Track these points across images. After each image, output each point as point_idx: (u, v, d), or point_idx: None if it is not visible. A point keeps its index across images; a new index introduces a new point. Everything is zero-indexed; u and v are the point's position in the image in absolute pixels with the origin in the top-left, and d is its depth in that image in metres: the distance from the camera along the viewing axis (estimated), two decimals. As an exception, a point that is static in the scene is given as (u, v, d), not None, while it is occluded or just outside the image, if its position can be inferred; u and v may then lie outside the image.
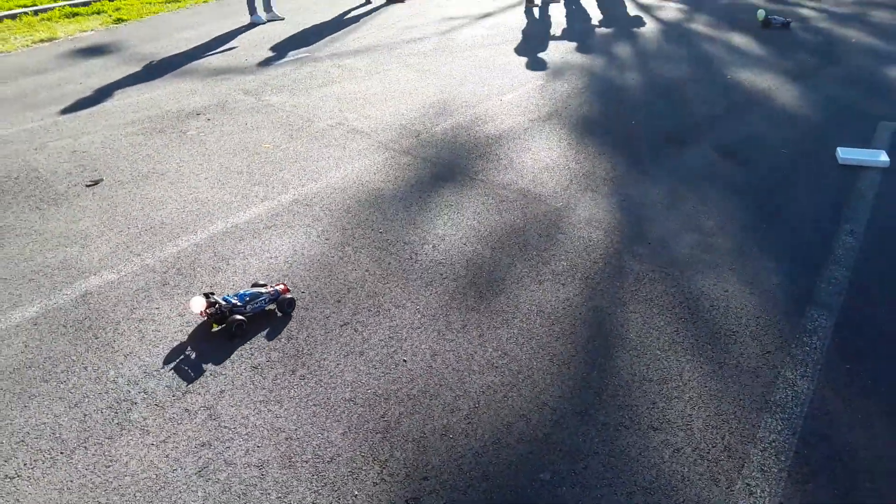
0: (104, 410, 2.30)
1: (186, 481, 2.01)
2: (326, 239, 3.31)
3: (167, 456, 2.11)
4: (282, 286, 2.80)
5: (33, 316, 2.79)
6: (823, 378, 2.32)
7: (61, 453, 2.13)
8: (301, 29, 7.76)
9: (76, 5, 8.98)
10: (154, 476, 2.04)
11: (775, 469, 1.99)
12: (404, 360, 2.49)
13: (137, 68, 6.36)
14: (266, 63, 6.41)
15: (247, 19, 8.16)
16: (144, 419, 2.25)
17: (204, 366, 2.48)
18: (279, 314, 2.76)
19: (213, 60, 6.59)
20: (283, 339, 2.61)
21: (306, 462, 2.07)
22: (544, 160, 4.12)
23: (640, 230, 3.30)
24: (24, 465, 2.09)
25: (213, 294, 2.72)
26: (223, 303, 2.64)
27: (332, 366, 2.47)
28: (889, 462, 2.00)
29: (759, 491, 1.92)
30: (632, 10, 8.25)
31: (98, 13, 8.80)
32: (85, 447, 2.15)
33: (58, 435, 2.20)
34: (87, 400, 2.34)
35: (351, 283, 2.96)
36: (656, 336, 2.56)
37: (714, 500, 1.90)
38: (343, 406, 2.28)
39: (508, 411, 2.24)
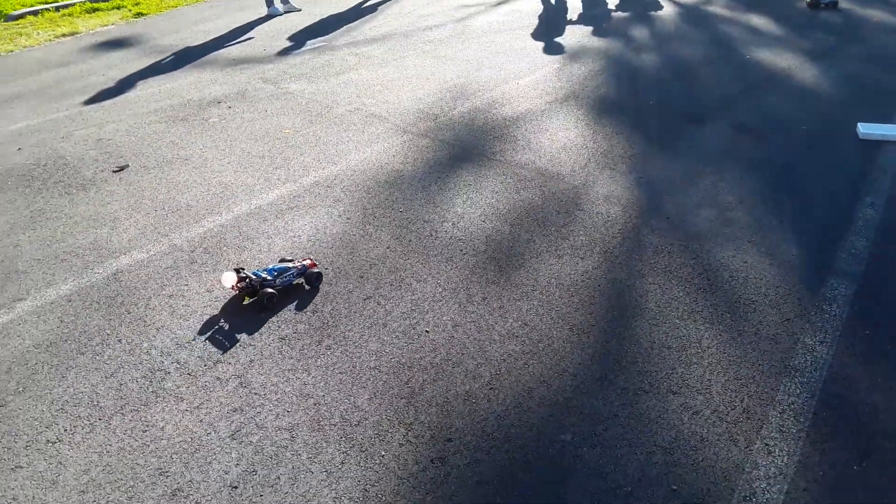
0: (139, 380, 2.38)
1: (220, 444, 2.09)
2: (348, 218, 3.37)
3: (201, 421, 2.18)
4: (309, 261, 2.88)
5: (67, 293, 2.89)
6: (843, 343, 2.34)
7: (99, 419, 2.22)
8: (318, 19, 7.83)
9: (96, 0, 9.12)
10: (189, 439, 2.12)
11: (794, 430, 2.02)
12: (426, 331, 2.54)
13: (158, 59, 6.47)
14: (284, 52, 6.49)
15: (264, 11, 8.24)
16: (178, 387, 2.33)
17: (234, 337, 2.56)
18: (307, 287, 2.84)
19: (232, 51, 6.67)
20: (308, 313, 2.68)
21: (334, 425, 2.14)
22: (562, 140, 4.14)
23: (658, 205, 3.33)
24: (65, 430, 2.18)
25: (243, 269, 2.80)
26: (254, 277, 2.72)
27: (356, 337, 2.53)
28: (908, 423, 2.02)
29: (777, 450, 1.95)
30: (648, -6, 8.20)
31: (118, 8, 8.93)
32: (122, 413, 2.23)
33: (95, 402, 2.28)
34: (122, 370, 2.43)
35: (373, 259, 3.02)
36: (675, 306, 2.59)
37: (733, 459, 1.94)
38: (368, 374, 2.35)
39: (529, 377, 2.29)
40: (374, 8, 8.34)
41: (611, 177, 3.65)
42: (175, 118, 4.86)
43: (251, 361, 2.43)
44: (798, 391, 2.15)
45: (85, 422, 2.21)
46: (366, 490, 1.91)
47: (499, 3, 8.21)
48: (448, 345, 2.47)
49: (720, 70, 5.32)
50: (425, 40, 6.67)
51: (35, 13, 8.61)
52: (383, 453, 2.03)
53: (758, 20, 6.75)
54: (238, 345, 2.52)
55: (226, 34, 7.38)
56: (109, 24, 8.19)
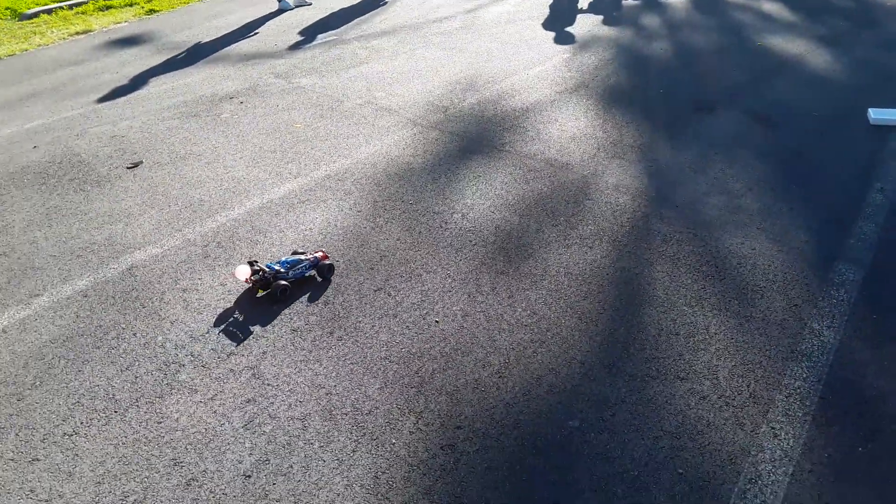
0: (154, 372, 2.43)
1: (234, 434, 2.14)
2: (358, 211, 3.41)
3: (215, 412, 2.24)
4: (321, 253, 2.93)
5: (83, 289, 2.95)
6: (850, 328, 2.34)
7: (115, 412, 2.27)
8: (328, 13, 7.85)
9: (110, -1, 9.20)
10: (203, 430, 2.17)
11: (800, 413, 2.03)
12: (436, 321, 2.57)
13: (171, 56, 6.53)
14: (295, 47, 6.52)
15: (275, 6, 8.28)
16: (192, 379, 2.38)
17: (247, 329, 2.61)
18: (319, 279, 2.88)
19: (244, 46, 6.72)
20: (320, 304, 2.72)
21: (346, 415, 2.18)
22: (571, 130, 4.14)
23: (667, 194, 3.33)
24: (81, 423, 2.24)
25: (256, 262, 2.85)
26: (268, 270, 2.77)
27: (367, 328, 2.57)
28: (917, 407, 2.03)
29: (783, 434, 1.97)
30: (659, -19, 8.13)
31: (131, 5, 9.01)
32: (137, 406, 2.29)
33: (111, 395, 2.34)
34: (137, 363, 2.48)
35: (383, 251, 3.05)
36: (683, 293, 2.60)
37: (739, 442, 1.96)
38: (379, 364, 2.38)
39: (538, 365, 2.31)
40: (383, 1, 8.34)
41: (620, 166, 3.65)
42: (188, 114, 4.92)
43: (264, 353, 2.47)
44: (805, 375, 2.16)
45: (101, 414, 2.27)
46: (377, 477, 1.95)
47: (508, -6, 8.17)
48: (458, 334, 2.50)
49: (731, 57, 5.28)
50: (435, 32, 6.68)
51: (49, 11, 8.70)
52: (394, 441, 2.07)
53: (770, 6, 6.68)
54: (251, 337, 2.56)
55: (237, 29, 7.43)
56: (122, 21, 8.27)
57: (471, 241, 3.07)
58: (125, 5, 9.00)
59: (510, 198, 3.42)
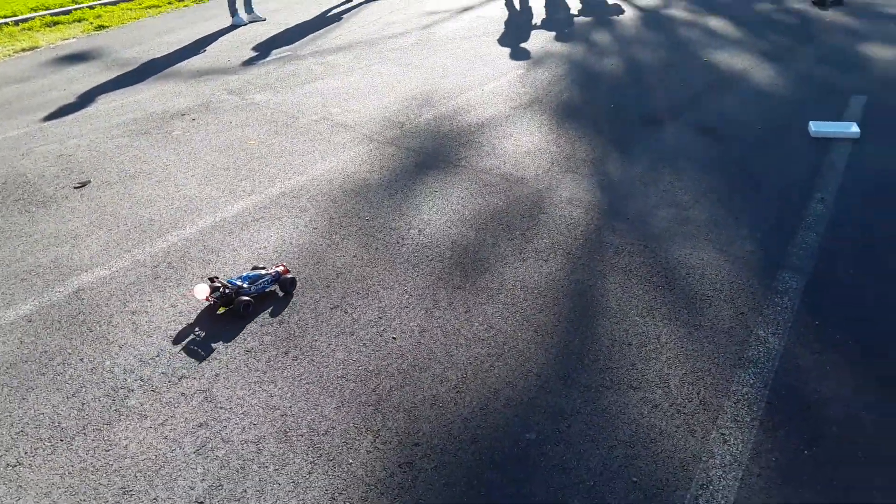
0: (102, 398, 2.36)
1: (185, 459, 2.09)
2: (314, 228, 3.38)
3: (165, 437, 2.18)
4: (282, 267, 2.91)
5: (27, 313, 2.85)
6: (794, 335, 2.43)
7: (61, 440, 2.20)
8: (283, 29, 7.82)
9: (57, 14, 8.99)
10: (153, 457, 2.11)
11: (748, 419, 2.09)
12: (393, 338, 2.57)
13: (121, 73, 6.41)
14: (249, 63, 6.47)
15: (228, 21, 8.21)
16: (142, 405, 2.32)
17: (198, 352, 2.55)
18: (281, 294, 2.87)
19: (196, 62, 6.63)
20: (275, 324, 2.69)
21: (302, 436, 2.15)
22: (526, 145, 4.20)
23: (619, 207, 3.40)
24: (25, 453, 2.15)
25: (216, 279, 2.81)
26: (230, 286, 2.74)
27: (323, 346, 2.55)
28: (854, 408, 2.11)
29: (732, 439, 2.02)
30: (609, -1, 8.35)
31: (79, 21, 8.81)
32: (84, 433, 2.22)
33: (57, 423, 2.26)
34: (84, 389, 2.41)
35: (339, 268, 3.03)
36: (635, 304, 2.66)
37: (690, 449, 2.00)
38: (335, 383, 2.36)
39: (495, 379, 2.33)
40: (338, 17, 8.36)
41: (573, 180, 3.71)
42: (138, 132, 4.82)
43: (216, 375, 2.43)
44: (752, 382, 2.23)
45: (46, 443, 2.19)
46: (333, 499, 1.93)
47: (463, 10, 8.28)
48: (415, 350, 2.50)
49: (678, 72, 5.44)
50: (391, 48, 6.71)
51: (-8, 28, 8.45)
52: (351, 461, 2.05)
53: (715, 23, 6.92)
54: (203, 359, 2.51)
55: (190, 45, 7.33)
56: (70, 37, 8.08)
57: (427, 257, 3.08)
58: (73, 21, 8.80)
59: (466, 213, 3.44)
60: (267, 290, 2.84)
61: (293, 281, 2.89)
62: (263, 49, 6.96)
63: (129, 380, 2.44)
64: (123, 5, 9.67)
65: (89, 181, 4.06)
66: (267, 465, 2.05)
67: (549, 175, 3.78)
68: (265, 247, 3.23)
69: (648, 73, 5.46)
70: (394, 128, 4.62)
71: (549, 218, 3.33)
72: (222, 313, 2.74)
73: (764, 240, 3.03)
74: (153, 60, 6.78)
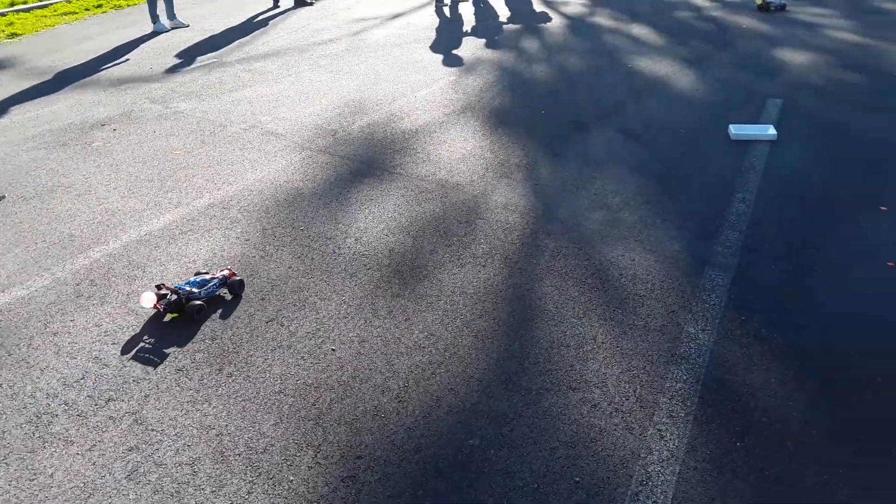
0: (24, 426, 2.22)
1: (116, 486, 1.99)
2: (246, 240, 3.30)
3: (94, 464, 2.07)
4: (227, 271, 2.88)
5: (-64, 339, 2.66)
6: (722, 330, 2.53)
7: (-22, 473, 2.05)
8: (208, 35, 7.60)
9: (-40, 20, 8.45)
10: (82, 484, 2.00)
11: (682, 414, 2.16)
12: (332, 349, 2.52)
13: (36, 82, 6.07)
14: (173, 70, 6.26)
15: (150, 28, 7.91)
16: (67, 430, 2.20)
17: (126, 372, 2.44)
18: (230, 297, 2.84)
19: (116, 70, 6.37)
20: (207, 340, 2.60)
21: (239, 455, 2.08)
22: (460, 151, 4.23)
23: (553, 211, 3.46)
24: (-63, 489, 2.00)
25: (163, 286, 2.78)
26: (181, 291, 2.69)
27: (259, 361, 2.48)
28: (781, 398, 2.21)
29: (668, 435, 2.08)
30: (538, 7, 8.52)
31: (-14, 27, 8.31)
32: (6, 463, 2.08)
33: (-27, 456, 2.11)
34: (4, 416, 2.26)
35: (274, 280, 2.96)
36: (572, 305, 2.71)
37: (629, 447, 2.05)
38: (273, 398, 2.30)
39: (437, 387, 2.32)
40: (265, 22, 8.20)
41: (508, 185, 3.76)
42: (55, 144, 4.58)
43: (146, 397, 2.32)
44: (685, 377, 2.30)
45: (-39, 477, 2.04)
46: (275, 517, 1.87)
47: (393, 17, 8.28)
48: (355, 361, 2.46)
49: (605, 78, 5.60)
50: (321, 55, 6.63)
51: None
52: (291, 478, 1.99)
53: (639, 30, 7.16)
54: (131, 380, 2.40)
55: (109, 53, 7.03)
56: (-24, 44, 7.61)
57: (365, 266, 3.05)
58: (-21, 27, 8.30)
59: (403, 220, 3.43)
60: (216, 293, 2.81)
61: (241, 283, 2.87)
62: (187, 56, 6.75)
63: (52, 405, 2.30)
64: (37, 12, 9.20)
65: (3, 196, 3.82)
66: (203, 487, 1.98)
67: (485, 181, 3.82)
68: (194, 260, 3.12)
69: (576, 80, 5.60)
70: (326, 135, 4.56)
71: (485, 223, 3.36)
72: (168, 320, 2.68)
73: (691, 239, 3.15)
74: (70, 69, 6.47)
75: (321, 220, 3.46)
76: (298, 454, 2.08)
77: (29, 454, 2.11)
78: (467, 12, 8.34)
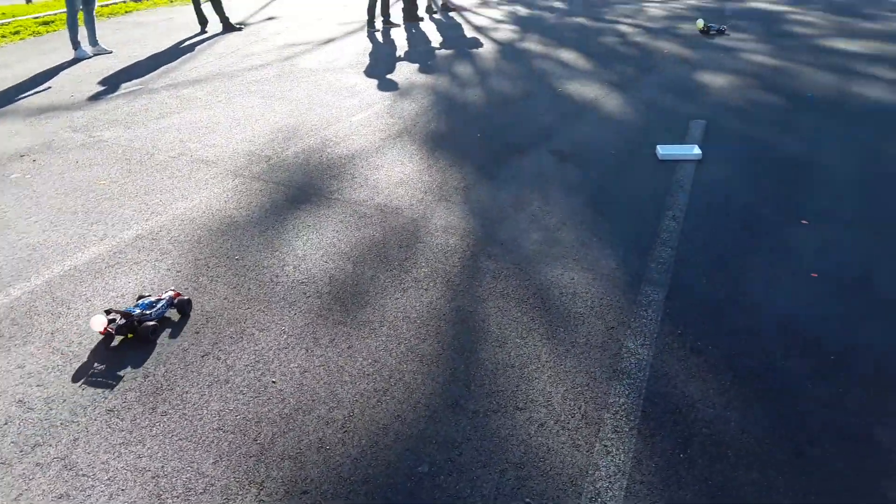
0: (-67, 482, 2.05)
1: (41, 540, 1.85)
2: (178, 272, 3.18)
3: (16, 518, 1.93)
4: (172, 292, 2.87)
5: None
6: (660, 344, 2.60)
7: None
8: (133, 62, 7.38)
9: None
10: (1, 542, 1.86)
11: (627, 429, 2.19)
12: (273, 382, 2.45)
13: (-59, 111, 5.73)
14: (95, 98, 6.03)
15: (71, 55, 7.61)
16: (-15, 483, 2.04)
17: (53, 415, 2.29)
18: (178, 317, 2.81)
19: (35, 99, 6.08)
20: (139, 378, 2.48)
21: (177, 497, 1.98)
22: (398, 175, 4.23)
23: (492, 232, 3.49)
24: None
25: (112, 310, 2.72)
26: (133, 314, 2.66)
27: (195, 398, 2.38)
28: (719, 408, 2.28)
29: (615, 450, 2.11)
30: (469, 32, 8.69)
31: None
32: (-88, 525, 1.91)
33: None
34: None
35: (209, 312, 2.86)
36: (514, 326, 2.73)
37: (577, 464, 2.06)
38: (212, 436, 2.21)
39: (383, 415, 2.28)
40: (192, 48, 8.02)
41: (447, 208, 3.78)
42: (-34, 176, 4.32)
43: (75, 440, 2.19)
44: (627, 392, 2.35)
45: None
46: (217, 561, 1.79)
47: (325, 42, 8.26)
48: (297, 393, 2.40)
49: (536, 102, 5.75)
50: (251, 80, 6.54)
51: None
52: (234, 518, 1.91)
53: (567, 55, 7.40)
54: (59, 423, 2.26)
55: (28, 81, 6.71)
56: None
57: (305, 294, 2.99)
58: None
59: (343, 246, 3.39)
60: (165, 314, 2.78)
61: (189, 302, 2.86)
62: (111, 83, 6.53)
63: (-35, 458, 2.13)
64: (-57, 36, 8.72)
65: None
66: (139, 535, 1.87)
67: (423, 204, 3.83)
68: (123, 294, 2.99)
69: (509, 103, 5.72)
70: (260, 162, 4.48)
71: (425, 247, 3.36)
72: (116, 345, 2.64)
73: (626, 257, 3.24)
74: (-19, 96, 6.14)
75: (257, 248, 3.38)
76: (240, 493, 1.99)
77: (-59, 512, 1.95)
78: (400, 38, 8.42)
